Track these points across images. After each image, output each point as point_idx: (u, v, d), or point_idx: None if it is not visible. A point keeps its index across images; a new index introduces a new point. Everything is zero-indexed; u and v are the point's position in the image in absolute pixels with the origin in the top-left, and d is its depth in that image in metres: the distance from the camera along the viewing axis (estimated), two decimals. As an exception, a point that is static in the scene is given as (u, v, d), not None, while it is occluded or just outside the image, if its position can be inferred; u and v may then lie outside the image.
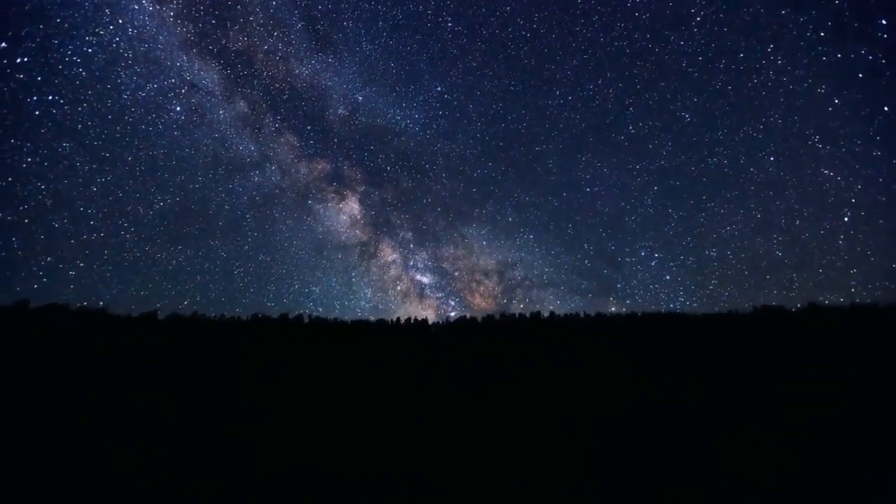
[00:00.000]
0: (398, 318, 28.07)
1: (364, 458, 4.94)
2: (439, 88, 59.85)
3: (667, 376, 10.52)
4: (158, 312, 24.64)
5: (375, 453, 5.11)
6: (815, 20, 42.18)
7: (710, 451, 4.77)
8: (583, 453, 4.87)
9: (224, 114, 53.04)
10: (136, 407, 7.59)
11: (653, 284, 49.55)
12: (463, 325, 27.61)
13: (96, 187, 46.95)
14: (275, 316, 28.23)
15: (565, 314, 26.57)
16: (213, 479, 4.38)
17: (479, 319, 26.79)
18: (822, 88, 43.24)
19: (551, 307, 52.27)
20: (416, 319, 27.14)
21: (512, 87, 60.22)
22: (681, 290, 46.46)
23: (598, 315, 25.53)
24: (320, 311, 50.09)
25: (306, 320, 26.67)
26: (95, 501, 3.96)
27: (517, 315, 25.39)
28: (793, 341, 16.28)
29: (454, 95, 60.81)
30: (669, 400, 7.63)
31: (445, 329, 25.55)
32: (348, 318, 52.73)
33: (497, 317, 27.17)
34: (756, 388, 8.58)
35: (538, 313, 24.66)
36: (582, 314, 25.90)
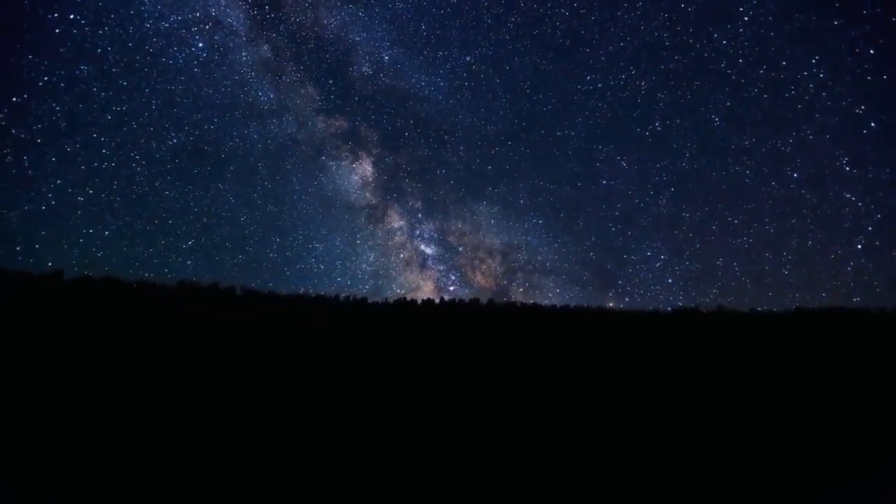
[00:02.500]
0: (338, 295, 27.49)
1: (284, 444, 4.74)
2: (468, 58, 56.47)
3: (656, 373, 11.07)
4: (64, 272, 22.29)
5: (298, 439, 4.91)
6: (866, 35, 39.27)
7: (706, 451, 5.03)
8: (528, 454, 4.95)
9: (246, 56, 50.23)
10: (27, 383, 6.80)
11: (654, 285, 48.17)
12: (404, 307, 27.61)
13: (111, 115, 45.07)
14: (205, 285, 26.60)
15: (508, 302, 27.44)
16: (110, 464, 4.00)
17: (419, 302, 27.05)
18: (860, 109, 40.03)
19: (550, 294, 52.19)
20: (355, 298, 26.78)
21: (542, 67, 56.51)
22: (681, 295, 45.33)
23: (534, 305, 26.54)
24: (321, 269, 49.31)
25: (238, 292, 25.36)
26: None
27: (457, 300, 25.87)
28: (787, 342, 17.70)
29: (482, 67, 57.38)
30: (653, 397, 8.02)
31: (387, 308, 25.44)
32: (348, 279, 52.01)
33: (437, 301, 27.43)
34: (748, 389, 9.23)
35: (477, 300, 25.26)
36: (519, 304, 26.82)
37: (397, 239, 56.23)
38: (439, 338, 16.28)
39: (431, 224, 56.98)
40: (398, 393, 8.00)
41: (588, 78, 56.14)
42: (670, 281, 48.50)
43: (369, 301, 31.18)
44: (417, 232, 56.24)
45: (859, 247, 38.96)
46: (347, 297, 29.39)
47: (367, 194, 57.03)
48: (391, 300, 33.18)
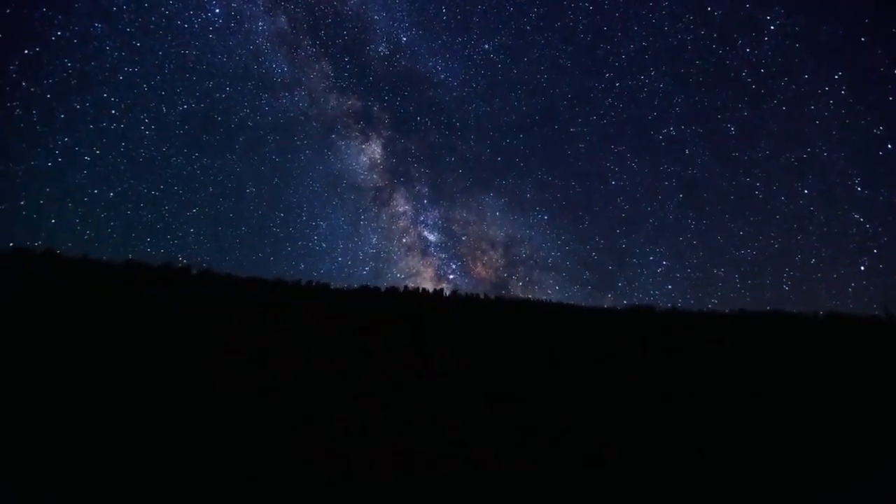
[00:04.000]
0: (300, 280, 26.88)
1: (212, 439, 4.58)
2: (487, 46, 54.06)
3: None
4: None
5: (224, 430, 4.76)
6: (894, 54, 38.22)
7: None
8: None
9: (263, 26, 48.89)
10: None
11: (653, 290, 48.34)
12: (367, 293, 27.30)
13: (123, 76, 44.56)
14: (157, 264, 25.35)
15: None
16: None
17: (382, 290, 26.79)
18: (878, 129, 39.35)
19: (549, 291, 51.46)
20: (317, 283, 26.26)
21: (561, 61, 54.04)
22: (679, 303, 44.69)
23: (497, 298, 26.84)
24: (323, 247, 49.12)
25: (195, 272, 24.32)
26: None
27: (420, 289, 25.84)
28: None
29: (500, 57, 54.84)
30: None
31: (346, 294, 25.10)
32: (349, 259, 50.21)
33: (402, 289, 27.33)
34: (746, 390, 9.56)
35: (441, 290, 25.33)
36: (483, 296, 27.04)
37: (401, 223, 55.29)
38: (393, 327, 16.27)
39: (436, 211, 56.19)
40: (337, 385, 7.94)
41: (606, 76, 53.36)
42: (670, 287, 47.49)
43: (332, 286, 30.72)
44: (422, 218, 55.47)
45: (862, 268, 39.51)
46: (309, 282, 28.82)
47: (375, 176, 55.77)
48: (355, 286, 32.90)
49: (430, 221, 55.29)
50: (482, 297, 25.70)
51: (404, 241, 54.53)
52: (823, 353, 16.44)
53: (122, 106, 42.85)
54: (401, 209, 55.39)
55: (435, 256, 54.12)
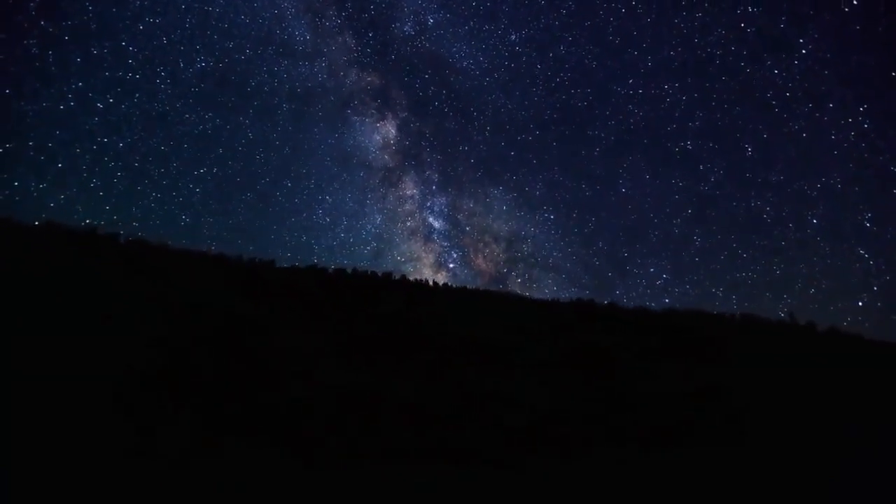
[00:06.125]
0: (241, 256, 25.60)
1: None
2: (514, 37, 50.69)
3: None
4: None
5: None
6: None
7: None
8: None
9: None
10: None
11: (650, 302, 47.25)
12: (316, 273, 26.61)
13: (143, 26, 40.80)
14: (80, 231, 23.15)
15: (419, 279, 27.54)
16: None
17: (331, 270, 26.12)
18: None
19: (546, 290, 50.00)
20: (261, 260, 25.15)
21: (586, 61, 50.95)
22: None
23: (447, 285, 27.07)
24: (327, 221, 45.56)
25: (122, 241, 22.47)
26: None
27: (369, 272, 25.37)
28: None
29: (526, 50, 51.50)
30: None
31: (291, 273, 24.33)
32: (351, 237, 45.79)
33: (349, 272, 26.80)
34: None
35: (389, 274, 25.10)
36: (432, 282, 27.13)
37: (407, 207, 52.63)
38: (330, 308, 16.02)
39: (443, 198, 53.82)
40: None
41: (630, 81, 51.31)
42: (667, 301, 46.18)
43: (276, 265, 29.48)
44: (428, 203, 52.97)
45: (860, 304, 38.26)
46: (252, 259, 27.47)
47: (386, 156, 52.61)
48: (303, 266, 31.73)
49: (436, 208, 53.49)
50: (431, 283, 25.82)
51: (408, 224, 52.58)
52: (740, 347, 18.09)
53: (140, 57, 39.17)
54: (408, 192, 53.23)
55: (437, 244, 52.52)
